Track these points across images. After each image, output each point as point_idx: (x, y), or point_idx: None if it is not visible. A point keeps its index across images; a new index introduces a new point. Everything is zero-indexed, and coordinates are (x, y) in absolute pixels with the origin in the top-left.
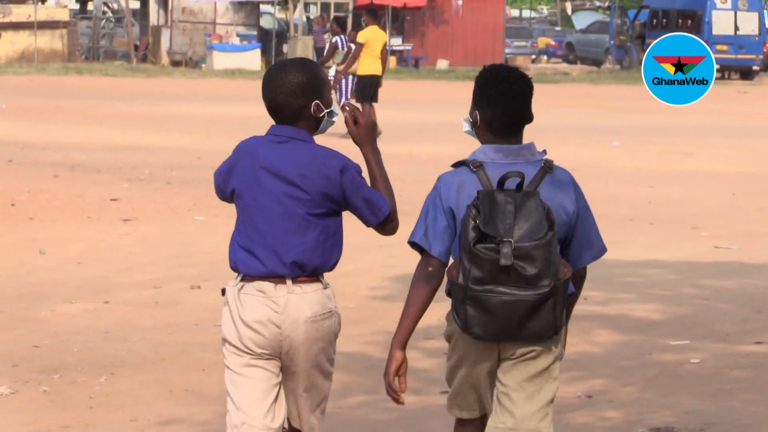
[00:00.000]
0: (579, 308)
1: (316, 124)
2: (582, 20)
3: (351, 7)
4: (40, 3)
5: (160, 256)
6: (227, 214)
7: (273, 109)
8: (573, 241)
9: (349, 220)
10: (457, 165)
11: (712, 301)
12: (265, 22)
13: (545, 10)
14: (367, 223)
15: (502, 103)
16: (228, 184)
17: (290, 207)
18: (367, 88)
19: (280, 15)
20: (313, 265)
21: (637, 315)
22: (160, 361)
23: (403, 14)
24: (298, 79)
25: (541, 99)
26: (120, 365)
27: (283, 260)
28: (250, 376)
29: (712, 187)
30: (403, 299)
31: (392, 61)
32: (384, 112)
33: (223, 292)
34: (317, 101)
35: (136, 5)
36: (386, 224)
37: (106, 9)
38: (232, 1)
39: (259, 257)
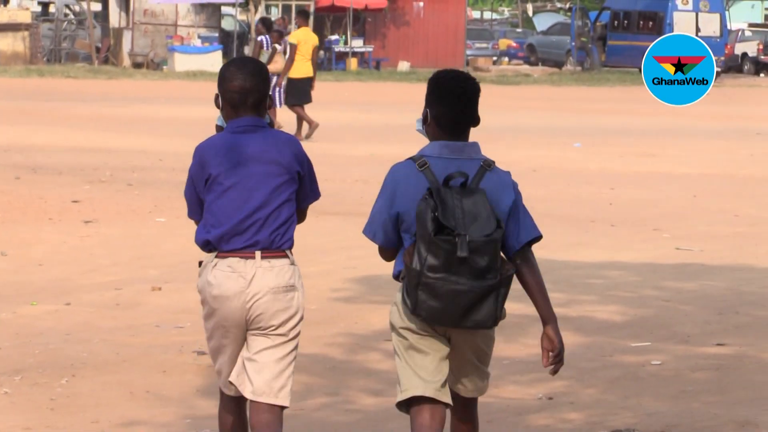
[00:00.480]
0: None
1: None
2: (543, 22)
3: (312, 8)
4: (1, 5)
5: (121, 257)
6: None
7: (242, 93)
8: (508, 226)
9: (307, 223)
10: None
11: (673, 302)
12: (227, 24)
13: (506, 11)
14: (304, 202)
15: (450, 100)
16: (201, 176)
17: (271, 186)
18: (299, 91)
19: (242, 17)
20: (282, 240)
21: (598, 317)
22: (122, 362)
23: (364, 16)
24: (264, 70)
25: (502, 101)
26: (81, 367)
27: (259, 234)
28: (229, 354)
29: (674, 189)
30: (365, 301)
31: (353, 62)
32: (345, 113)
33: (200, 264)
34: (270, 94)
35: (98, 7)
36: (305, 211)
37: (67, 11)
38: (194, 3)
39: (236, 235)
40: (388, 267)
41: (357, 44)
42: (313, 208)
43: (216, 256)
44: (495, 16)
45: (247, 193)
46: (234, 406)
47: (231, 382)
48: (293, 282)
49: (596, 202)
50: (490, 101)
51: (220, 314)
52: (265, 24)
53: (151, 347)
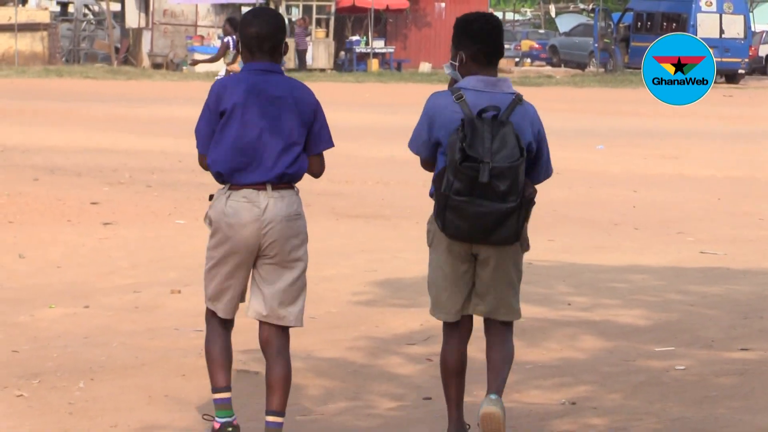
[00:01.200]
0: (563, 313)
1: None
2: (566, 23)
3: (333, 9)
4: (20, 5)
5: (140, 260)
6: None
7: (259, 38)
8: (534, 163)
9: (327, 225)
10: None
11: (697, 307)
12: None
13: (529, 12)
14: (317, 147)
15: (484, 35)
16: (216, 109)
17: (280, 125)
18: None
19: None
20: (291, 175)
21: (622, 321)
22: (141, 366)
23: (385, 17)
24: (280, 18)
25: None
26: (100, 370)
27: (271, 172)
28: (239, 278)
29: (698, 191)
30: (386, 304)
31: (375, 63)
32: (365, 114)
33: (211, 197)
34: (286, 41)
35: (117, 7)
36: (322, 160)
37: (86, 11)
38: (214, 4)
39: (249, 169)
40: (410, 270)
41: (378, 45)
42: (332, 210)
43: (229, 188)
44: (517, 17)
45: (258, 130)
46: (222, 331)
47: (230, 311)
48: (300, 210)
49: (619, 204)
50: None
51: (234, 241)
52: (233, 24)
53: (171, 351)
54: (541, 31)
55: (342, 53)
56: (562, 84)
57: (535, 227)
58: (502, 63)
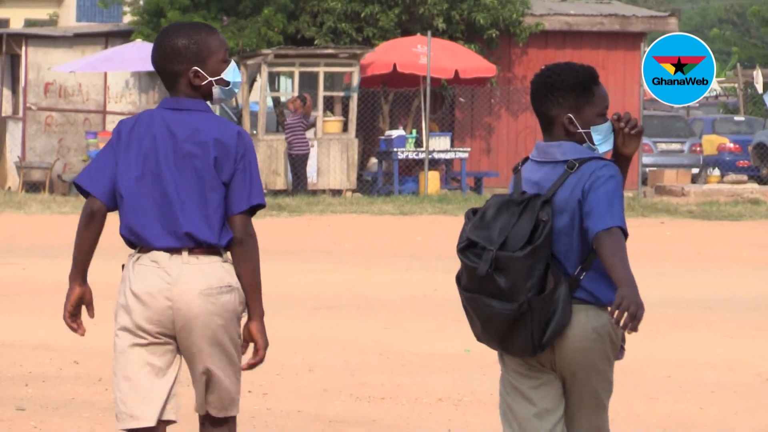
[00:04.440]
0: None
1: (203, 93)
2: None
3: (356, 80)
4: None
5: None
6: None
7: (156, 70)
8: (583, 216)
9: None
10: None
11: None
12: None
13: (717, 84)
14: (236, 207)
15: (534, 96)
16: (113, 158)
17: (188, 176)
18: None
19: None
20: (208, 237)
21: None
22: None
23: (451, 92)
24: (178, 42)
25: (706, 247)
26: None
27: (179, 231)
28: (141, 366)
29: None
30: None
31: (433, 179)
32: (416, 274)
33: (123, 267)
34: (196, 68)
35: None
36: (247, 221)
37: None
38: (136, 72)
39: (154, 228)
40: None
41: (439, 145)
42: None
43: (138, 251)
44: None
45: (166, 186)
46: None
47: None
48: (229, 281)
49: None
50: (681, 248)
51: (138, 315)
52: None
53: None
54: (739, 117)
55: (372, 161)
56: None
57: None
58: (669, 177)
